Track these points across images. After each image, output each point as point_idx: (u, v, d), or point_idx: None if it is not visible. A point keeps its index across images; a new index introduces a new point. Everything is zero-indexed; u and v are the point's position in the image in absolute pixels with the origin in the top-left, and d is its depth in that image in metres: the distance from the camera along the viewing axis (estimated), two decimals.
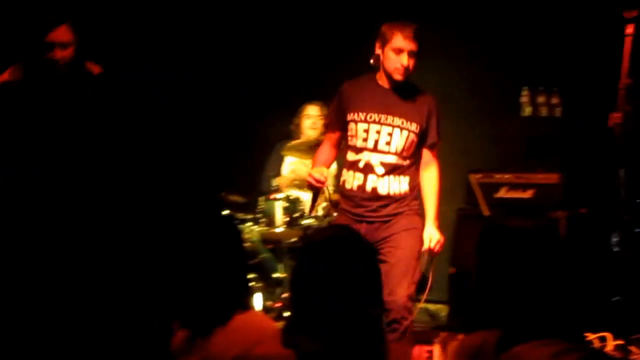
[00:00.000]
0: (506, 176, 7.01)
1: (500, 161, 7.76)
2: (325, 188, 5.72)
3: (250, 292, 6.58)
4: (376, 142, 5.32)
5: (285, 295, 6.82)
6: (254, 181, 7.71)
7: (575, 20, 7.55)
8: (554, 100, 8.06)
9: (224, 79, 8.34)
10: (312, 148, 6.82)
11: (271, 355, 2.77)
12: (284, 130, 7.84)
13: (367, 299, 2.83)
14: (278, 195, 7.11)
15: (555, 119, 8.04)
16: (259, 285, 6.79)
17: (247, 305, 3.17)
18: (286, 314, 6.68)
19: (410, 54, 5.25)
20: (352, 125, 5.40)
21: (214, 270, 3.06)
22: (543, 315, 2.66)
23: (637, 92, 4.44)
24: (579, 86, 7.68)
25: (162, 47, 7.88)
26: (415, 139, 5.36)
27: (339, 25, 8.53)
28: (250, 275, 6.78)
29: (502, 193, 6.96)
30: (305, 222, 6.96)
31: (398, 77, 5.31)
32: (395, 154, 5.32)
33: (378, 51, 5.38)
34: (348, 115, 5.42)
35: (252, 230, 7.08)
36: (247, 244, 6.95)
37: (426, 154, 5.49)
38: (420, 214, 5.44)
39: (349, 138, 5.44)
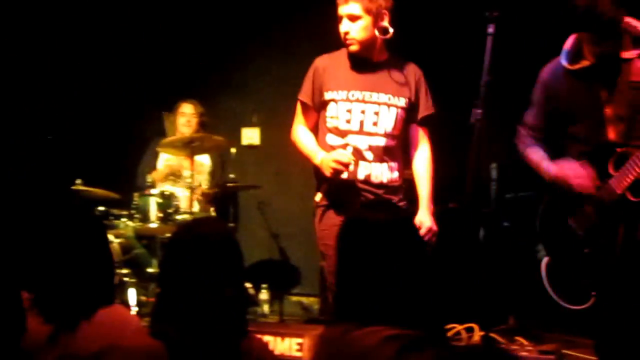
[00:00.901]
0: None
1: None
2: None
3: (116, 286, 6.60)
4: (362, 123, 4.78)
5: (159, 290, 6.82)
6: (130, 178, 7.71)
7: (441, 21, 7.75)
8: None
9: (99, 75, 8.31)
10: (186, 145, 6.88)
11: (138, 347, 2.78)
12: (159, 127, 7.86)
13: (226, 284, 2.85)
14: (152, 191, 7.12)
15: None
16: (133, 280, 6.79)
17: (111, 300, 3.18)
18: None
19: (350, 18, 4.73)
20: (332, 105, 4.84)
21: (77, 265, 3.03)
22: (400, 306, 2.71)
23: (498, 89, 4.59)
24: (446, 84, 7.87)
25: (37, 40, 7.83)
26: (404, 116, 4.84)
27: (214, 23, 8.56)
28: (124, 271, 6.80)
29: None
30: (179, 217, 6.99)
31: (350, 48, 4.80)
32: (385, 135, 4.79)
33: None
34: (325, 94, 4.86)
35: (126, 226, 7.07)
36: (121, 240, 6.96)
37: (417, 131, 4.96)
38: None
39: (328, 120, 4.87)
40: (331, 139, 4.84)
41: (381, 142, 4.77)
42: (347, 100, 4.79)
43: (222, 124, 8.19)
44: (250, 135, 8.66)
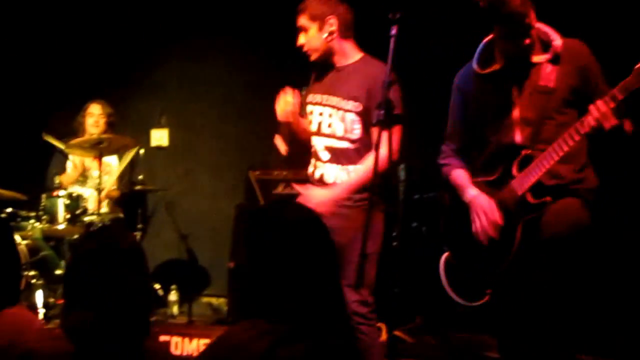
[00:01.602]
0: (284, 173, 7.15)
1: (280, 159, 7.96)
2: None
3: (23, 288, 6.55)
4: (319, 124, 4.90)
5: None
6: (38, 179, 7.64)
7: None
8: None
9: (8, 76, 8.23)
10: (94, 146, 6.85)
11: (39, 348, 2.78)
12: (68, 128, 7.80)
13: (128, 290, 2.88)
14: (60, 193, 7.07)
15: None
16: (41, 282, 6.74)
17: (15, 300, 3.17)
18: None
19: (302, 30, 4.88)
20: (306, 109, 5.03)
21: None
22: (305, 305, 2.75)
23: (403, 90, 4.64)
24: None
25: None
26: (357, 119, 4.76)
27: (123, 24, 8.53)
28: (32, 273, 6.74)
29: (280, 189, 7.12)
30: (87, 218, 6.96)
31: (310, 59, 4.93)
32: (338, 137, 4.81)
33: None
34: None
35: (34, 228, 7.00)
36: (28, 242, 6.90)
37: (375, 134, 4.37)
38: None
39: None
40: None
41: (336, 144, 4.82)
42: (310, 103, 4.97)
43: (130, 125, 8.16)
44: (159, 137, 8.64)
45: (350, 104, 4.78)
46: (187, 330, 6.32)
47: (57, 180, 7.42)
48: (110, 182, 7.48)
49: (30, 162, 7.95)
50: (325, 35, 4.84)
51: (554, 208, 4.07)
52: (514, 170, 4.15)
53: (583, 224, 4.09)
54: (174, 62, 8.57)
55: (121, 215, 7.51)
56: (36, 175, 7.73)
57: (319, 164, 4.92)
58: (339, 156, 4.82)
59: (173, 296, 7.37)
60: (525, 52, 4.15)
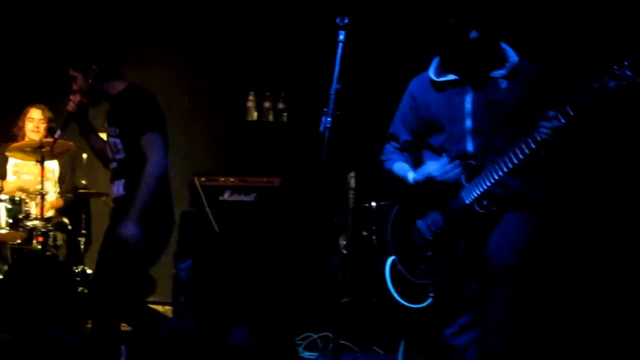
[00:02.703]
0: (230, 179, 7.12)
1: (226, 165, 7.91)
2: None
3: None
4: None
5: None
6: None
7: (296, 27, 7.83)
8: (281, 106, 8.31)
9: None
10: (35, 150, 6.76)
11: None
12: (6, 134, 7.70)
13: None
14: (2, 197, 6.98)
15: (281, 123, 8.30)
16: None
17: None
18: None
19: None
20: None
21: None
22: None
23: (347, 96, 4.64)
24: (301, 92, 7.96)
25: None
26: (121, 141, 5.23)
27: (63, 27, 8.43)
28: None
29: (227, 196, 7.08)
30: (30, 223, 6.87)
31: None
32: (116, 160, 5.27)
33: None
34: None
35: None
36: None
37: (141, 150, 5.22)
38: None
39: None
40: None
41: (117, 165, 5.27)
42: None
43: (74, 130, 8.05)
44: None
45: (113, 130, 5.25)
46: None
47: None
48: (50, 187, 7.41)
49: None
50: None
51: (500, 227, 4.19)
52: (463, 180, 4.24)
53: (527, 245, 4.16)
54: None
55: (64, 219, 7.43)
56: None
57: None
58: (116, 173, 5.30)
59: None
60: (484, 67, 4.26)
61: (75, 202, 7.67)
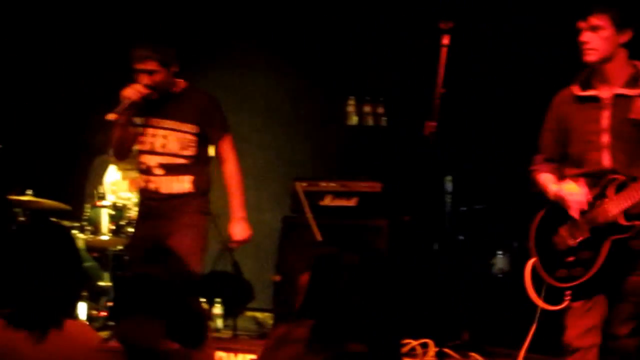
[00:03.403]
0: (331, 184, 7.07)
1: (326, 170, 7.86)
2: None
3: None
4: (152, 144, 5.46)
5: (110, 304, 6.77)
6: (78, 188, 7.61)
7: (396, 32, 7.74)
8: (380, 110, 8.23)
9: (49, 84, 8.22)
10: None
11: None
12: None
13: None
14: (104, 203, 7.04)
15: (381, 128, 8.22)
16: (84, 294, 6.70)
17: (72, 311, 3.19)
18: (112, 323, 6.64)
19: (150, 73, 5.37)
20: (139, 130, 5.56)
21: (50, 273, 3.04)
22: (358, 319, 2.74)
23: (452, 101, 4.59)
24: (401, 96, 7.87)
25: None
26: (193, 138, 5.45)
27: (164, 35, 8.48)
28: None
29: (327, 201, 7.03)
30: (131, 229, 6.92)
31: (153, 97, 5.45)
32: (171, 155, 5.44)
33: None
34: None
35: (77, 238, 6.98)
36: None
37: (218, 149, 5.60)
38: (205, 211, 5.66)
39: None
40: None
41: (168, 161, 5.44)
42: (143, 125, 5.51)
43: None
44: None
45: (188, 126, 5.43)
46: (232, 344, 6.25)
47: (100, 190, 7.39)
48: None
49: (72, 171, 7.93)
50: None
51: None
52: (610, 192, 4.32)
53: None
54: (217, 72, 8.48)
55: None
56: (77, 184, 7.71)
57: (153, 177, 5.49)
58: (171, 169, 5.45)
59: (217, 309, 7.29)
60: (621, 84, 4.37)
61: None
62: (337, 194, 7.06)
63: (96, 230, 6.97)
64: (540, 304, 4.56)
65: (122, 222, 6.99)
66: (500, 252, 6.89)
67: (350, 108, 8.25)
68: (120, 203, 7.10)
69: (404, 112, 7.78)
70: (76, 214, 7.19)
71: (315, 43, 8.33)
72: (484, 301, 6.64)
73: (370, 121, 8.28)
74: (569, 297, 4.41)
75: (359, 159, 8.07)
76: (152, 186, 5.50)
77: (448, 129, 4.79)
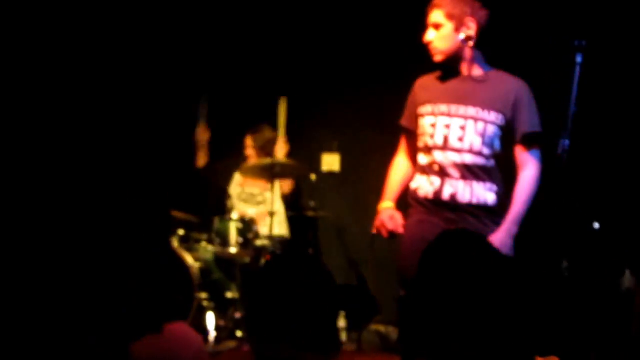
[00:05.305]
0: None
1: None
2: None
3: (195, 309, 6.66)
4: (446, 137, 4.48)
5: (237, 315, 6.87)
6: (206, 200, 7.76)
7: (527, 50, 7.67)
8: None
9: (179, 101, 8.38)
10: (266, 170, 6.96)
11: None
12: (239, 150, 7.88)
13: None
14: (233, 216, 7.15)
15: None
16: (211, 305, 6.82)
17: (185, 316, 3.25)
18: (238, 333, 6.75)
19: (434, 26, 4.53)
20: (420, 121, 4.60)
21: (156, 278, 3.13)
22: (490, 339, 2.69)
23: (584, 119, 4.52)
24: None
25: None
26: (498, 132, 4.45)
27: (296, 48, 8.56)
28: (203, 295, 6.82)
29: None
30: (259, 242, 7.02)
31: (434, 58, 4.57)
32: (472, 151, 4.45)
33: None
34: (417, 111, 4.64)
35: (206, 250, 7.11)
36: (200, 264, 6.99)
37: (518, 151, 4.51)
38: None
39: (418, 137, 4.62)
40: (421, 158, 4.59)
41: (468, 159, 4.43)
42: (432, 114, 4.52)
43: (302, 150, 8.18)
44: (331, 161, 8.61)
45: (494, 115, 4.42)
46: (357, 358, 6.28)
47: (228, 203, 7.54)
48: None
49: (202, 184, 8.06)
50: (462, 37, 4.49)
51: None
52: None
53: None
54: (349, 87, 8.51)
55: (291, 238, 7.56)
56: (204, 197, 7.85)
57: (450, 181, 4.46)
58: (471, 172, 4.44)
59: (341, 323, 7.32)
60: None
61: (301, 222, 7.78)
62: None
63: (224, 243, 7.07)
64: None
65: (250, 236, 7.07)
66: (628, 270, 6.77)
67: None
68: (248, 217, 7.19)
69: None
70: (205, 226, 7.31)
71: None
72: (613, 320, 6.54)
73: None
74: None
75: None
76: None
77: (580, 147, 4.72)
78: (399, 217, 4.60)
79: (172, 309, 3.18)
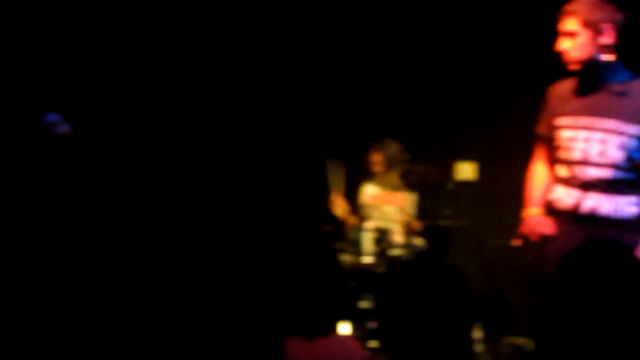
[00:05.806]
0: None
1: None
2: None
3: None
4: (585, 152, 4.42)
5: (372, 325, 6.84)
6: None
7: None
8: None
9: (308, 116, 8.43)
10: (401, 178, 6.96)
11: None
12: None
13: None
14: (367, 226, 7.13)
15: None
16: (346, 314, 6.81)
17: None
18: (372, 344, 6.71)
19: (567, 34, 4.42)
20: (557, 134, 4.55)
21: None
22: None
23: None
24: None
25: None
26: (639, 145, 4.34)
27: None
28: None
29: None
30: (394, 253, 6.97)
31: (568, 68, 4.49)
32: (613, 166, 4.37)
33: None
34: (553, 122, 4.59)
35: (340, 260, 7.11)
36: None
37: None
38: None
39: (555, 149, 4.57)
40: (560, 170, 4.53)
41: (609, 174, 4.35)
42: (570, 127, 4.45)
43: (435, 157, 8.13)
44: (466, 170, 8.53)
45: (635, 128, 4.30)
46: None
47: (362, 213, 7.53)
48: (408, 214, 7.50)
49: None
50: (600, 45, 4.37)
51: None
52: None
53: None
54: (488, 94, 8.42)
55: (425, 248, 7.49)
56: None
57: (591, 195, 4.39)
58: (612, 186, 4.36)
59: (478, 333, 7.23)
60: None
61: (435, 231, 7.71)
62: None
63: (358, 252, 7.06)
64: None
65: (384, 245, 7.03)
66: None
67: None
68: (382, 226, 7.16)
69: None
70: (339, 235, 7.32)
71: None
72: None
73: None
74: None
75: None
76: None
77: None
78: (549, 222, 4.56)
79: (339, 313, 3.19)
